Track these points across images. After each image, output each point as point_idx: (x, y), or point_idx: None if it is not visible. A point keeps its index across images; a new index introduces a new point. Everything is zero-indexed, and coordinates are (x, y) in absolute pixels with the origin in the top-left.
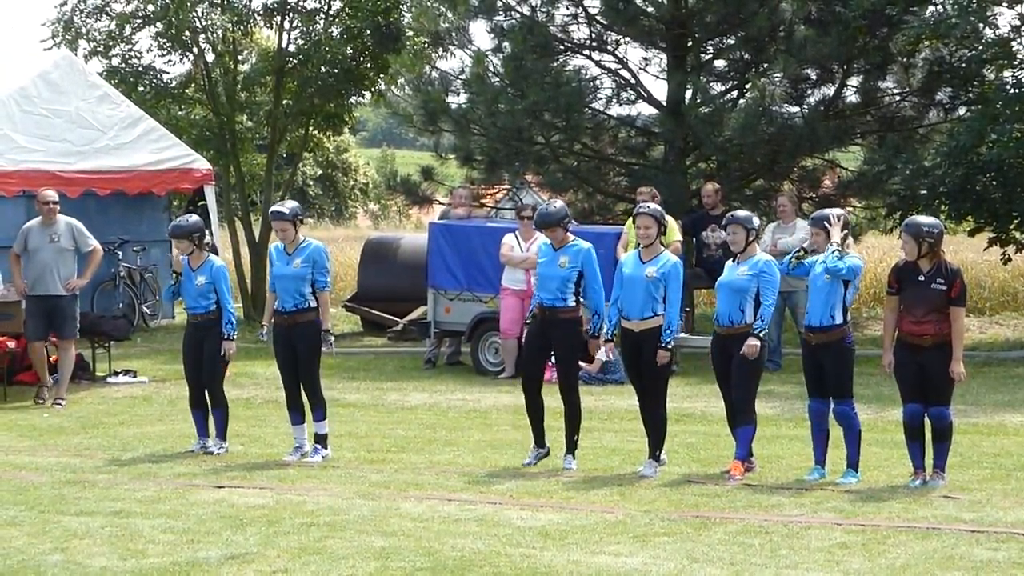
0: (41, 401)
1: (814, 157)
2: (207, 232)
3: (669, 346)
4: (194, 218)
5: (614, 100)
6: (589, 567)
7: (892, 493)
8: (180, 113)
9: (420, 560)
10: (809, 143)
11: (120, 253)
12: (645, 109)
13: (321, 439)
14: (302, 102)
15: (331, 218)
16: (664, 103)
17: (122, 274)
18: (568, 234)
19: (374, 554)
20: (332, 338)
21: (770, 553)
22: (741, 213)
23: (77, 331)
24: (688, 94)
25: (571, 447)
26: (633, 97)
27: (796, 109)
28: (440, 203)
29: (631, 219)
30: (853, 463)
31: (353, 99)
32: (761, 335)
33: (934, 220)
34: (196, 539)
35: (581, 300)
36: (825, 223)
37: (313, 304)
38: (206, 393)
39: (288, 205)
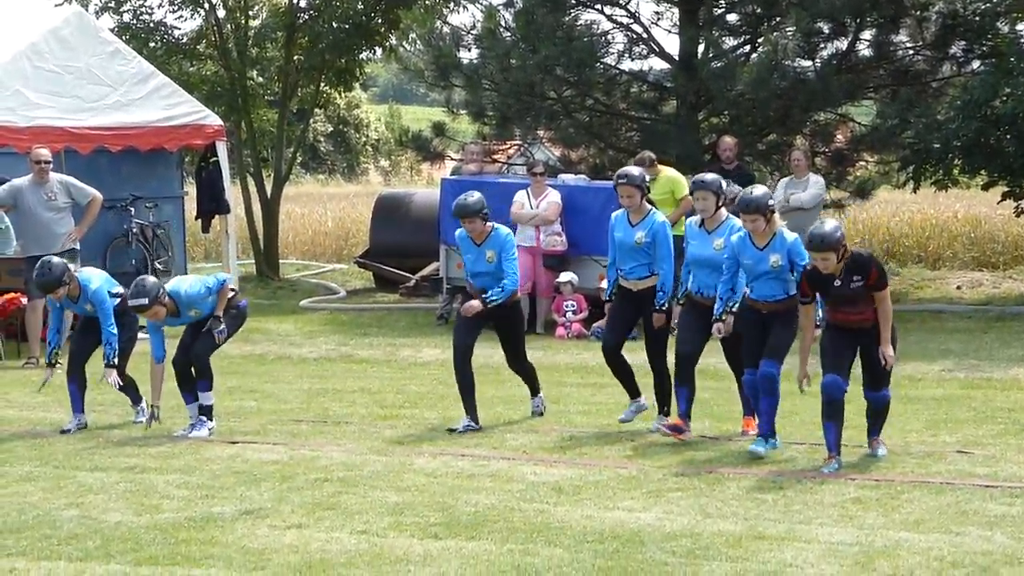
0: (32, 364)
1: (827, 111)
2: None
3: (664, 308)
4: (56, 261)
5: (626, 55)
6: (602, 522)
7: (906, 448)
8: (191, 69)
9: (434, 515)
10: (822, 97)
11: (132, 210)
12: (657, 64)
13: (206, 411)
14: (313, 58)
15: (342, 174)
16: (676, 58)
17: (134, 231)
18: (487, 224)
19: (388, 509)
20: (221, 324)
21: (784, 508)
22: (710, 176)
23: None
24: (700, 49)
25: (534, 391)
26: (645, 52)
27: (809, 63)
28: (452, 159)
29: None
30: (768, 432)
31: (364, 55)
32: (735, 310)
33: (834, 224)
34: (210, 494)
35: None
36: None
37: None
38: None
39: None
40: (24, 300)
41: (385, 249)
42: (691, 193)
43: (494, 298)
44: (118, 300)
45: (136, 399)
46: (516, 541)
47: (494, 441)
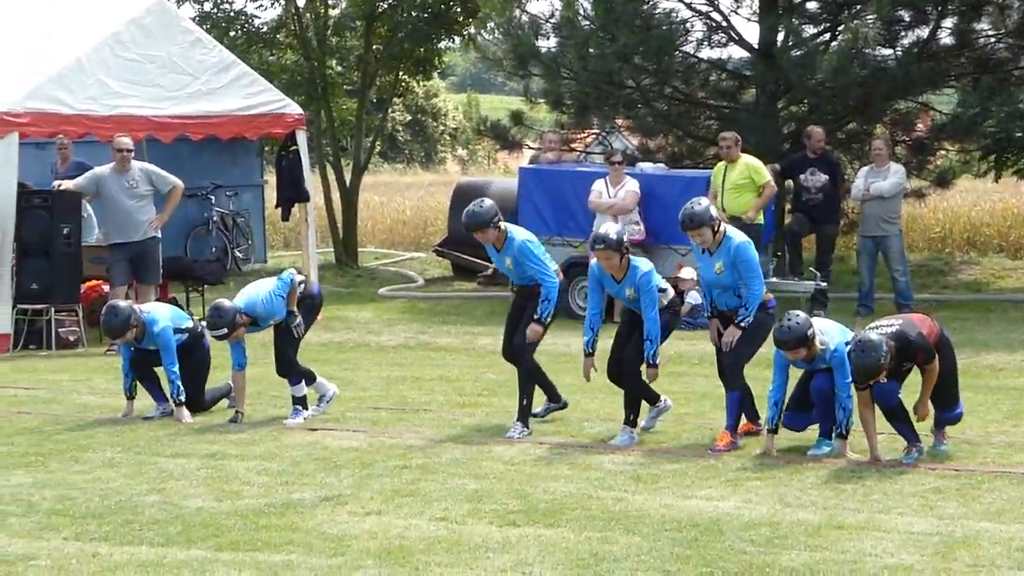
0: (113, 351)
1: (907, 100)
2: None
3: (656, 361)
4: (122, 306)
5: (705, 43)
6: (681, 511)
7: (987, 438)
8: (271, 58)
9: (512, 503)
10: (902, 86)
11: (213, 198)
12: (736, 52)
13: (299, 400)
14: (392, 47)
15: (420, 163)
16: (756, 46)
17: (215, 219)
18: (501, 231)
19: (467, 496)
20: (297, 319)
21: (863, 498)
22: (699, 208)
23: (160, 276)
24: (780, 37)
25: (522, 414)
26: (724, 40)
27: (889, 51)
28: (530, 147)
29: (718, 165)
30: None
31: (443, 43)
32: (743, 324)
33: (876, 344)
34: (290, 481)
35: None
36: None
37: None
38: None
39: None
40: (106, 288)
41: (463, 237)
42: (686, 228)
43: (546, 313)
44: (186, 335)
45: (159, 397)
46: (594, 529)
47: (572, 429)
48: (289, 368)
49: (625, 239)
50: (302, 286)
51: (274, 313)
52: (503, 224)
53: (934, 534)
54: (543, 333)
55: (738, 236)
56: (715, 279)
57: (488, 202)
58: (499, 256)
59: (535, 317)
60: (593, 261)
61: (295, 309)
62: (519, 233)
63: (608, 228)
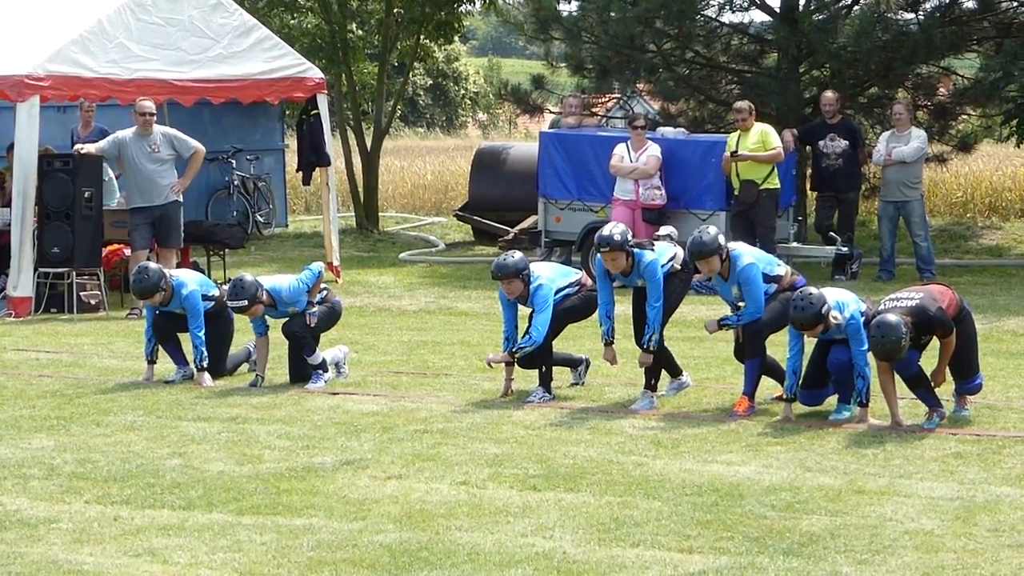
0: (135, 315)
1: (929, 64)
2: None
3: (652, 348)
4: (152, 267)
5: (727, 7)
6: (702, 475)
7: (1008, 403)
8: (292, 22)
9: (533, 467)
10: (925, 50)
11: (234, 162)
12: (758, 16)
13: (319, 366)
14: (413, 10)
15: (441, 128)
16: (778, 10)
17: (236, 183)
18: (527, 285)
19: (487, 461)
20: (314, 310)
21: (884, 463)
22: (707, 238)
23: (181, 240)
24: (802, 1)
25: (543, 380)
26: (746, 4)
27: (912, 15)
28: (551, 112)
29: (733, 134)
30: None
31: (464, 7)
32: (724, 324)
33: (895, 326)
34: (311, 445)
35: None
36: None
37: None
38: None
39: None
40: (127, 251)
41: (484, 202)
42: (695, 258)
43: (524, 347)
44: (212, 303)
45: (180, 361)
46: (615, 493)
47: (592, 394)
48: (300, 341)
49: (630, 238)
50: (325, 291)
51: (295, 300)
52: (531, 277)
53: (955, 499)
54: (504, 359)
55: (744, 257)
56: (734, 300)
57: (518, 255)
58: (511, 305)
59: (512, 348)
60: (599, 257)
61: (314, 300)
62: (545, 286)
63: (612, 229)
